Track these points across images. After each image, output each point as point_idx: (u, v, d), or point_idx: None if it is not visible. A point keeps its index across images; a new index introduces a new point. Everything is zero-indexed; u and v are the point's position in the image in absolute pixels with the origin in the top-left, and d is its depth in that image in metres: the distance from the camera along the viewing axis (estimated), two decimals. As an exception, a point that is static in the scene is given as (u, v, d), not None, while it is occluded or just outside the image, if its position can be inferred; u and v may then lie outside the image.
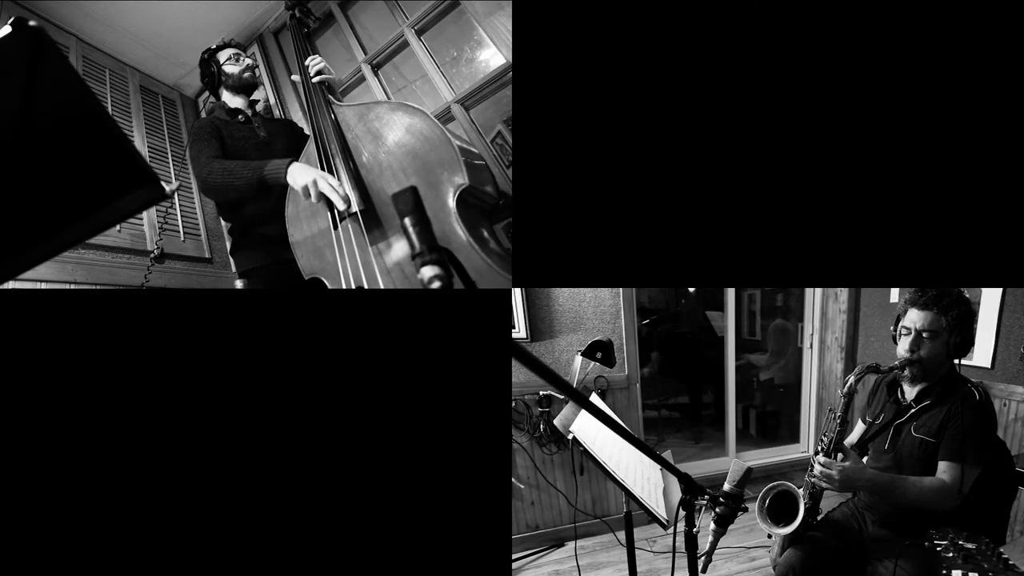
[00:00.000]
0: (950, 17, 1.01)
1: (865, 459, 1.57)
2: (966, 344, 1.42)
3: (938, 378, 1.44)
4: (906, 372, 1.46)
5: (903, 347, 1.44)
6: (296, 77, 2.03)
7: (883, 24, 1.01)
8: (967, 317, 1.40)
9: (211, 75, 2.10)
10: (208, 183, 1.82)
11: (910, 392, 1.49)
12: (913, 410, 1.45)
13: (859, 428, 1.66)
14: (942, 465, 1.35)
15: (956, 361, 1.45)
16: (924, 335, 1.40)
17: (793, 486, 1.42)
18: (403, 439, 0.76)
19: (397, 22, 2.79)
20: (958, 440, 1.34)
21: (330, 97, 1.90)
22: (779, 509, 1.43)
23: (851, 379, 1.48)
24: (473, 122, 2.58)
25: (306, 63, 1.98)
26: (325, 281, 1.76)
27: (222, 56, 2.10)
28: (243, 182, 1.76)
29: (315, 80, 1.94)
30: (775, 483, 1.45)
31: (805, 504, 1.46)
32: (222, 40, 2.17)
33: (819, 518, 1.57)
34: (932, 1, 1.01)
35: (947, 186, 1.02)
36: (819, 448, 1.48)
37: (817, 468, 1.41)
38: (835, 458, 1.45)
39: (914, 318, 1.42)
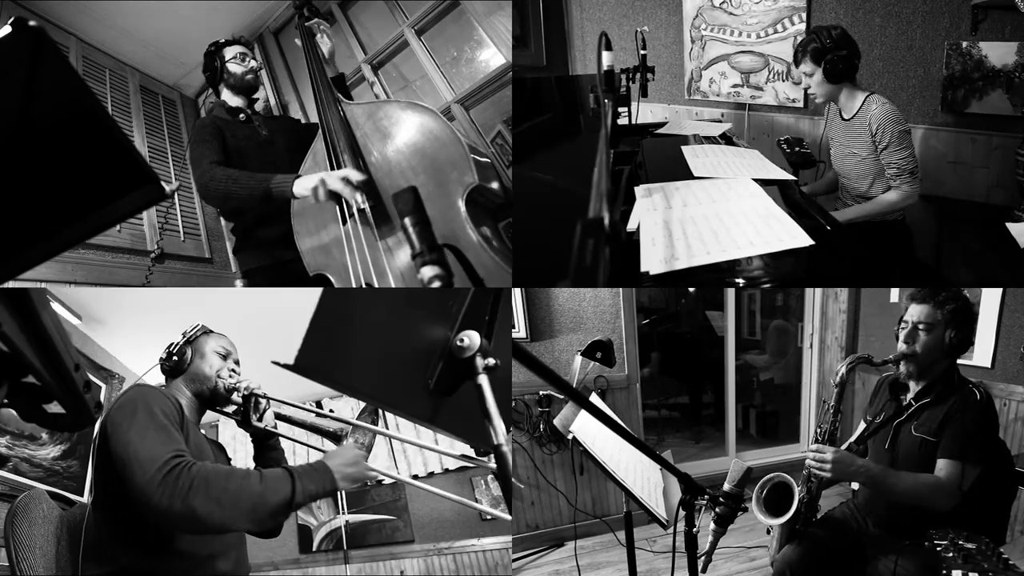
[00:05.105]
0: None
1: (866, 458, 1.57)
2: (964, 342, 1.42)
3: (936, 376, 1.44)
4: (902, 367, 1.46)
5: (900, 340, 1.45)
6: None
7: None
8: (964, 313, 1.40)
9: (214, 70, 2.06)
10: (209, 189, 1.78)
11: (911, 391, 1.50)
12: (913, 408, 1.45)
13: (861, 427, 1.65)
14: (941, 463, 1.34)
15: (959, 362, 1.46)
16: (920, 327, 1.41)
17: (789, 477, 1.42)
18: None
19: (397, 22, 2.80)
20: (958, 438, 1.33)
21: (338, 95, 1.89)
22: (776, 501, 1.44)
23: (842, 368, 1.48)
24: (473, 122, 2.59)
25: (306, 23, 1.98)
26: (331, 277, 1.75)
27: (228, 53, 2.06)
28: (247, 192, 1.72)
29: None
30: (772, 475, 1.45)
31: (801, 497, 1.46)
32: (231, 35, 2.14)
33: (819, 516, 1.56)
34: None
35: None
36: (816, 438, 1.48)
37: (811, 453, 1.40)
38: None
39: (911, 312, 1.44)
